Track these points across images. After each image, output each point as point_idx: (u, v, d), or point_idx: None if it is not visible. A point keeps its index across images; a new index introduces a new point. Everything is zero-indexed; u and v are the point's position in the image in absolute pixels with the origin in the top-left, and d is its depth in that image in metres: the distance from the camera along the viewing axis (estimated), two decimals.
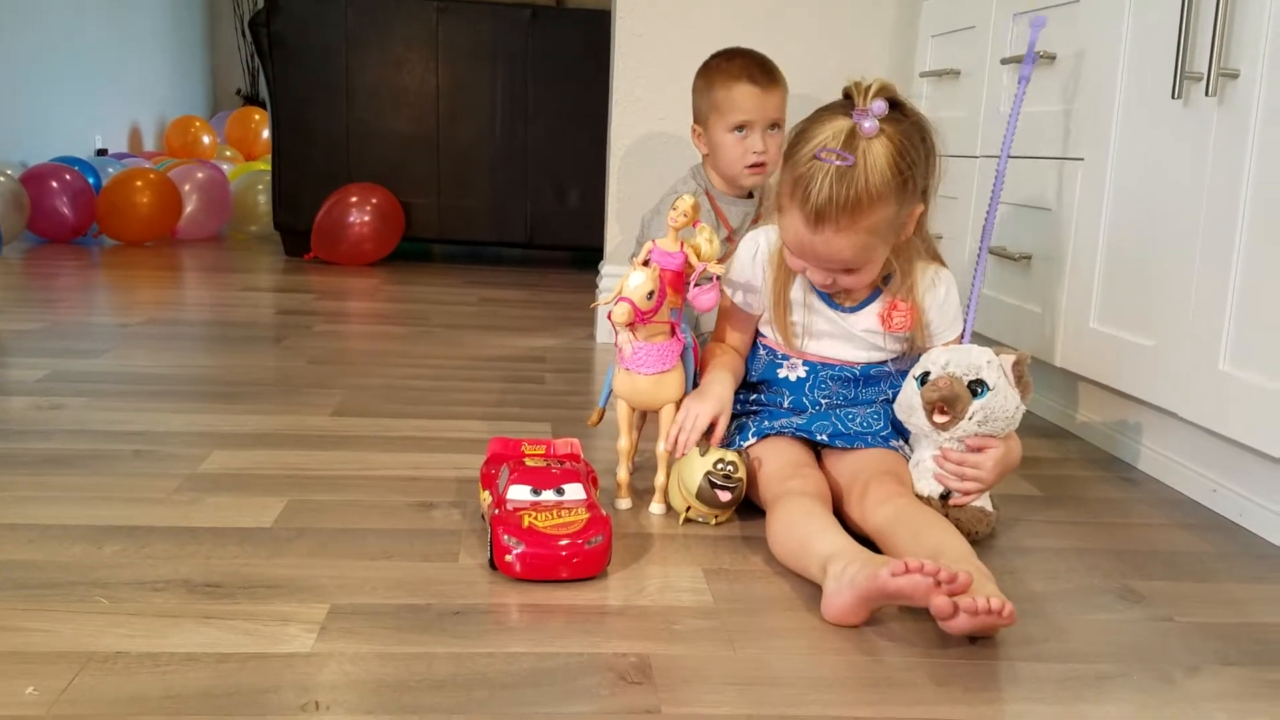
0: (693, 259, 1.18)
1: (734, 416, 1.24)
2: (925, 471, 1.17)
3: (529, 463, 1.09)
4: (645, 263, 1.17)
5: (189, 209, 3.51)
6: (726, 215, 1.71)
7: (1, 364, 1.77)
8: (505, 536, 0.99)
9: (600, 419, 1.32)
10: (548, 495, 1.05)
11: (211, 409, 1.54)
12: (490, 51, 3.14)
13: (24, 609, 0.89)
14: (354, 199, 3.09)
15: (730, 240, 1.67)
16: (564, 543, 0.98)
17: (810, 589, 0.99)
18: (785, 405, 1.26)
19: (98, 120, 5.46)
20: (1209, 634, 0.96)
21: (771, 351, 1.28)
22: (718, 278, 1.17)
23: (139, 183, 3.34)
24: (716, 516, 1.17)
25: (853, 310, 1.23)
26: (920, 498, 1.14)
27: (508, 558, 0.98)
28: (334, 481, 1.25)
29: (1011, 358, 1.15)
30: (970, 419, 1.13)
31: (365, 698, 0.78)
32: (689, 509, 1.16)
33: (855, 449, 1.21)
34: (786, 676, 0.84)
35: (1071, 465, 1.47)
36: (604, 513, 1.04)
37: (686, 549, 1.10)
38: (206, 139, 5.57)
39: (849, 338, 1.24)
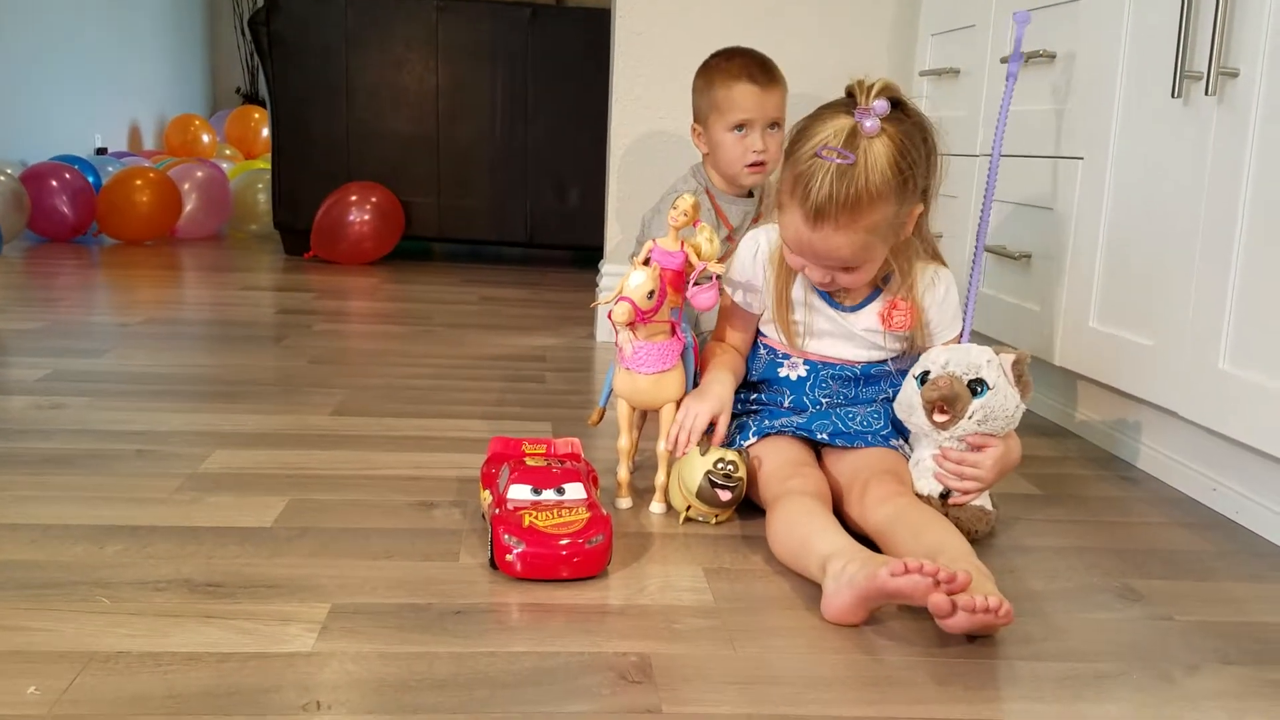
0: (693, 258, 1.18)
1: (734, 416, 1.24)
2: (925, 470, 1.17)
3: (529, 462, 1.10)
4: (645, 262, 1.17)
5: (189, 208, 3.51)
6: (727, 214, 1.71)
7: (2, 363, 1.77)
8: (506, 536, 0.99)
9: (600, 418, 1.32)
10: (548, 495, 1.05)
11: (212, 408, 1.54)
12: (490, 50, 3.14)
13: (26, 608, 0.89)
14: (354, 198, 3.09)
15: (730, 239, 1.67)
16: (564, 542, 0.98)
17: (810, 588, 0.99)
18: (785, 404, 1.27)
19: (97, 119, 5.46)
20: (1208, 633, 0.96)
21: (772, 351, 1.28)
22: (718, 277, 1.18)
23: (139, 182, 3.34)
24: (717, 516, 1.17)
25: (853, 309, 1.23)
26: (920, 497, 1.14)
27: (508, 557, 0.98)
28: (335, 481, 1.25)
29: (1011, 357, 1.16)
30: (970, 418, 1.13)
31: (366, 697, 0.78)
32: (689, 508, 1.17)
33: (855, 448, 1.21)
34: (787, 675, 0.84)
35: (1071, 464, 1.47)
36: (604, 512, 1.04)
37: (687, 548, 1.10)
38: (206, 138, 5.57)
39: (849, 337, 1.24)
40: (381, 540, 1.08)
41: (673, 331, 1.19)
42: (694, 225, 1.17)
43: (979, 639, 0.91)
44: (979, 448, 1.14)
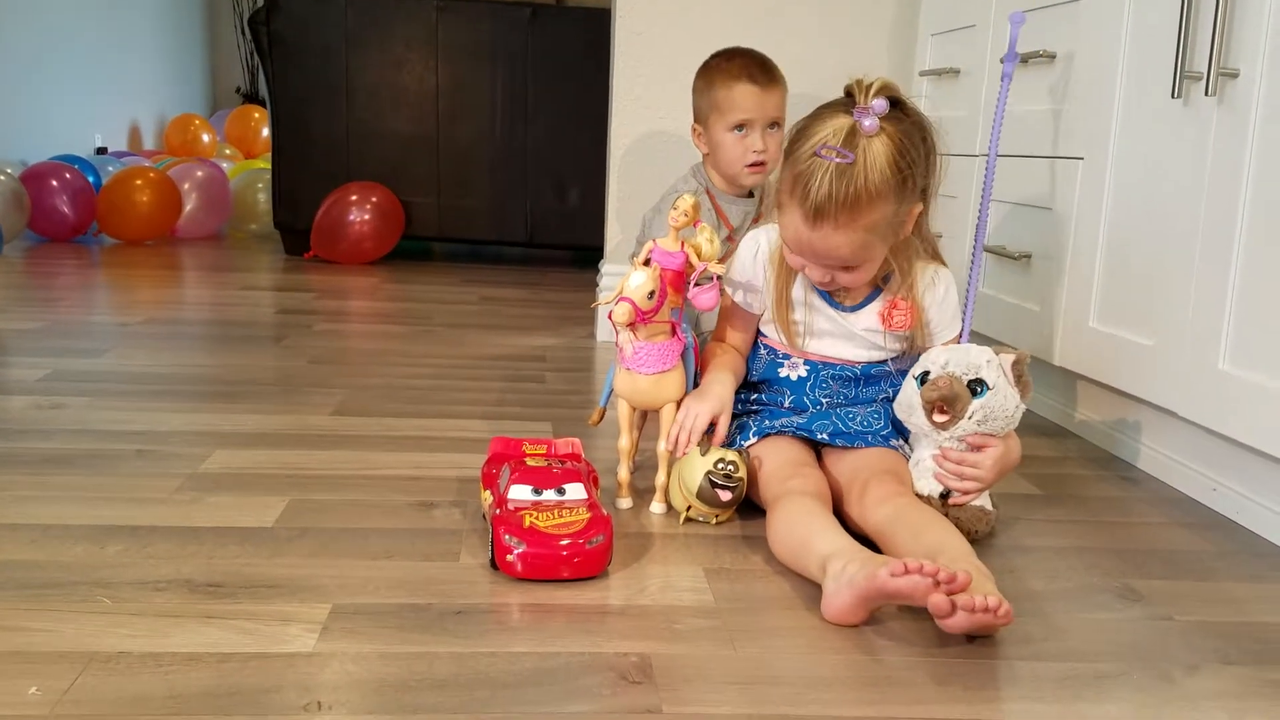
0: (693, 259, 1.18)
1: (734, 416, 1.24)
2: (925, 471, 1.17)
3: (530, 462, 1.10)
4: (646, 262, 1.17)
5: (189, 207, 3.51)
6: (727, 214, 1.71)
7: (2, 363, 1.77)
8: (506, 536, 0.99)
9: (601, 418, 1.32)
10: (549, 495, 1.05)
11: (212, 408, 1.54)
12: (490, 50, 3.14)
13: (27, 609, 0.89)
14: (354, 198, 3.09)
15: (731, 240, 1.67)
16: (565, 542, 0.98)
17: (810, 588, 0.99)
18: (786, 405, 1.27)
19: (97, 119, 5.46)
20: (1208, 633, 0.96)
21: (772, 351, 1.28)
22: (718, 277, 1.18)
23: (139, 181, 3.34)
24: (717, 516, 1.17)
25: (853, 309, 1.23)
26: (920, 497, 1.14)
27: (509, 557, 0.98)
28: (335, 481, 1.26)
29: (1011, 357, 1.16)
30: (970, 418, 1.13)
31: (367, 697, 0.78)
32: (689, 508, 1.17)
33: (855, 448, 1.21)
34: (787, 676, 0.85)
35: (1071, 464, 1.47)
36: (605, 512, 1.04)
37: (687, 548, 1.10)
38: (206, 137, 5.57)
39: (850, 337, 1.24)
40: (382, 540, 1.08)
41: (673, 332, 1.19)
42: (694, 225, 1.18)
43: (978, 639, 0.92)
44: (979, 448, 1.14)
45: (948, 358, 1.17)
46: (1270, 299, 1.16)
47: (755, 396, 1.30)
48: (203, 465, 1.28)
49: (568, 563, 0.98)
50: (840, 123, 1.09)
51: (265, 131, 5.60)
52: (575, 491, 1.06)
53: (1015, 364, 1.15)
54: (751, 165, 1.65)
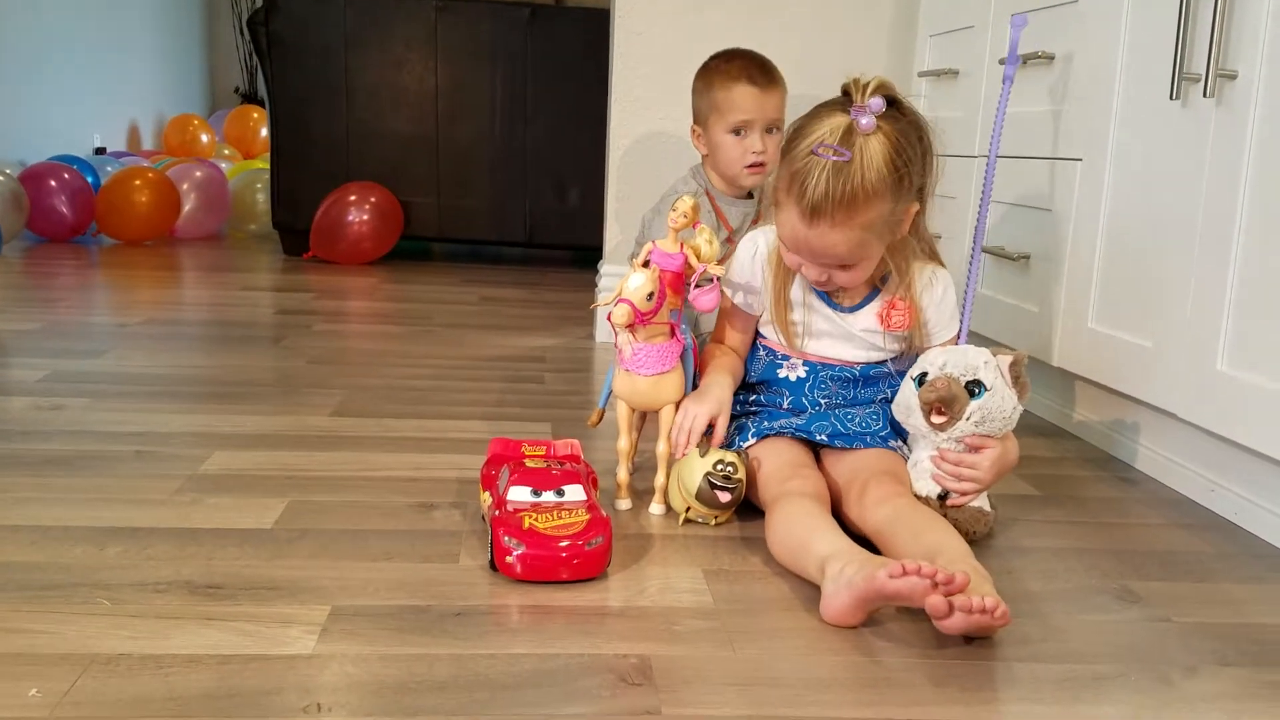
0: (693, 260, 1.18)
1: (733, 417, 1.24)
2: (923, 472, 1.17)
3: (529, 464, 1.10)
4: (645, 264, 1.17)
5: (188, 208, 3.51)
6: (726, 216, 1.71)
7: (1, 364, 1.77)
8: (506, 538, 0.99)
9: (600, 420, 1.32)
10: (548, 496, 1.05)
11: (211, 409, 1.54)
12: (490, 51, 3.14)
13: (27, 610, 0.89)
14: (353, 198, 3.09)
15: (730, 241, 1.67)
16: (564, 544, 0.99)
17: (809, 590, 0.99)
18: (785, 406, 1.27)
19: (96, 119, 5.46)
20: (1207, 634, 0.96)
21: (771, 352, 1.28)
22: (718, 279, 1.18)
23: (137, 181, 3.34)
24: (716, 517, 1.17)
25: (852, 310, 1.23)
26: (918, 498, 1.15)
27: (508, 559, 0.98)
28: (334, 482, 1.26)
29: (1009, 358, 1.16)
30: (968, 419, 1.13)
31: (367, 699, 0.78)
32: (689, 510, 1.17)
33: (854, 449, 1.21)
34: (786, 677, 0.85)
35: (1069, 465, 1.47)
36: (604, 514, 1.04)
37: (686, 550, 1.11)
38: (205, 137, 5.57)
39: (848, 337, 1.24)
40: (381, 542, 1.08)
41: (672, 333, 1.20)
42: (694, 227, 1.18)
43: (976, 640, 0.92)
44: (977, 449, 1.15)
45: (945, 359, 1.17)
46: (1269, 300, 1.16)
47: (754, 397, 1.30)
48: (202, 466, 1.28)
49: (567, 564, 0.98)
50: (837, 121, 1.09)
51: (264, 132, 5.60)
52: (574, 493, 1.06)
53: (1013, 365, 1.15)
54: (751, 166, 1.65)
